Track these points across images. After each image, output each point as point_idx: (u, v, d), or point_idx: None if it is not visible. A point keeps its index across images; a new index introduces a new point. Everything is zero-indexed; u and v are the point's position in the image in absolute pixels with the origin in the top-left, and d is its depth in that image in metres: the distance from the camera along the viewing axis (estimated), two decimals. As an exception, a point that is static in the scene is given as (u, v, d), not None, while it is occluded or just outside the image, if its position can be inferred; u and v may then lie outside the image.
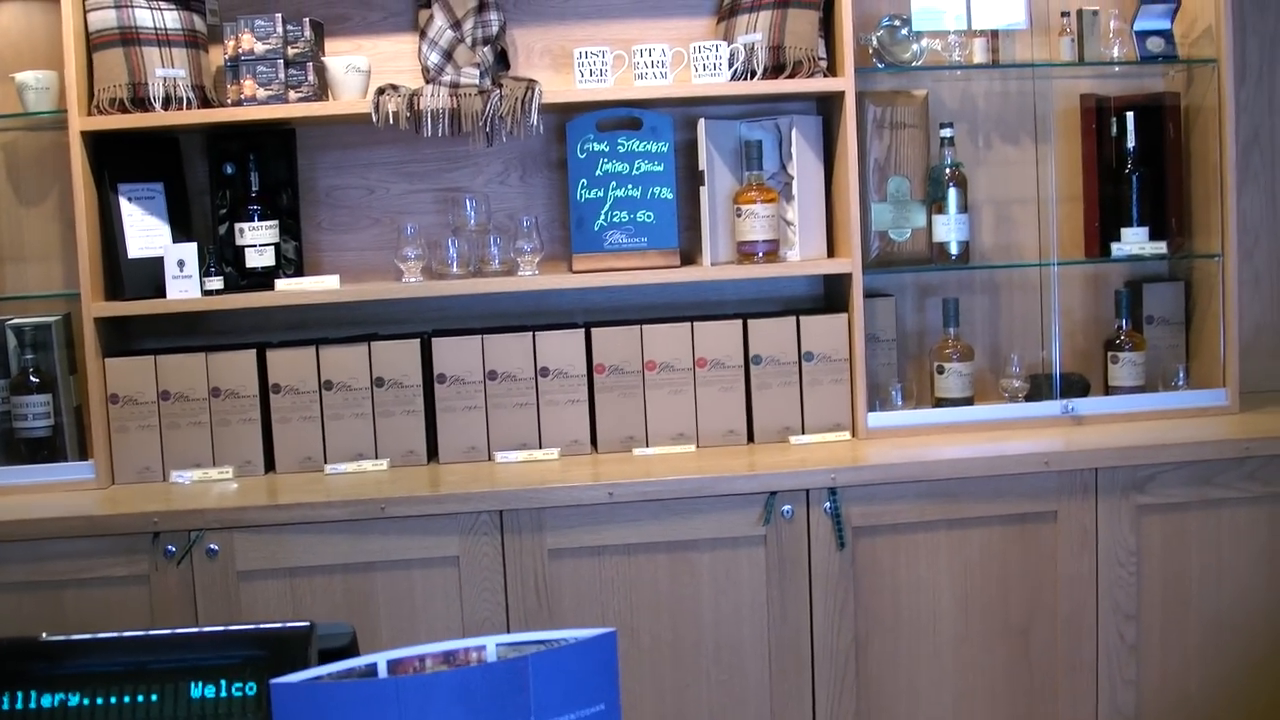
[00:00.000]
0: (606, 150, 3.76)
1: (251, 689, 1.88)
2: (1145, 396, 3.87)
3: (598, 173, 3.77)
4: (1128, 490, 3.53)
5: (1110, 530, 3.53)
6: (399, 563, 3.42)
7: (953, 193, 3.83)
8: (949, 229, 3.84)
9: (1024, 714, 3.57)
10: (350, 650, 1.93)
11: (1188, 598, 3.60)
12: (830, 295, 3.98)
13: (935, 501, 3.50)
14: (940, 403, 3.86)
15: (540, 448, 3.75)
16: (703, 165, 3.79)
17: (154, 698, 1.88)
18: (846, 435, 3.77)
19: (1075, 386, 3.91)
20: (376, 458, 3.73)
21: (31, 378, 3.70)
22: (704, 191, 3.79)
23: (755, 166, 3.75)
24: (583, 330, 3.77)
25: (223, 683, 1.88)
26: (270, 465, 3.76)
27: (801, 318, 3.78)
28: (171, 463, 3.70)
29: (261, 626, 1.94)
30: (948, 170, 3.84)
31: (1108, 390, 3.92)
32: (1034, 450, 3.54)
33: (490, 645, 1.66)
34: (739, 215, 3.74)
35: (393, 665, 1.63)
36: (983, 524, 3.53)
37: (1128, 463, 3.53)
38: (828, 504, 3.45)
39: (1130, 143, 3.88)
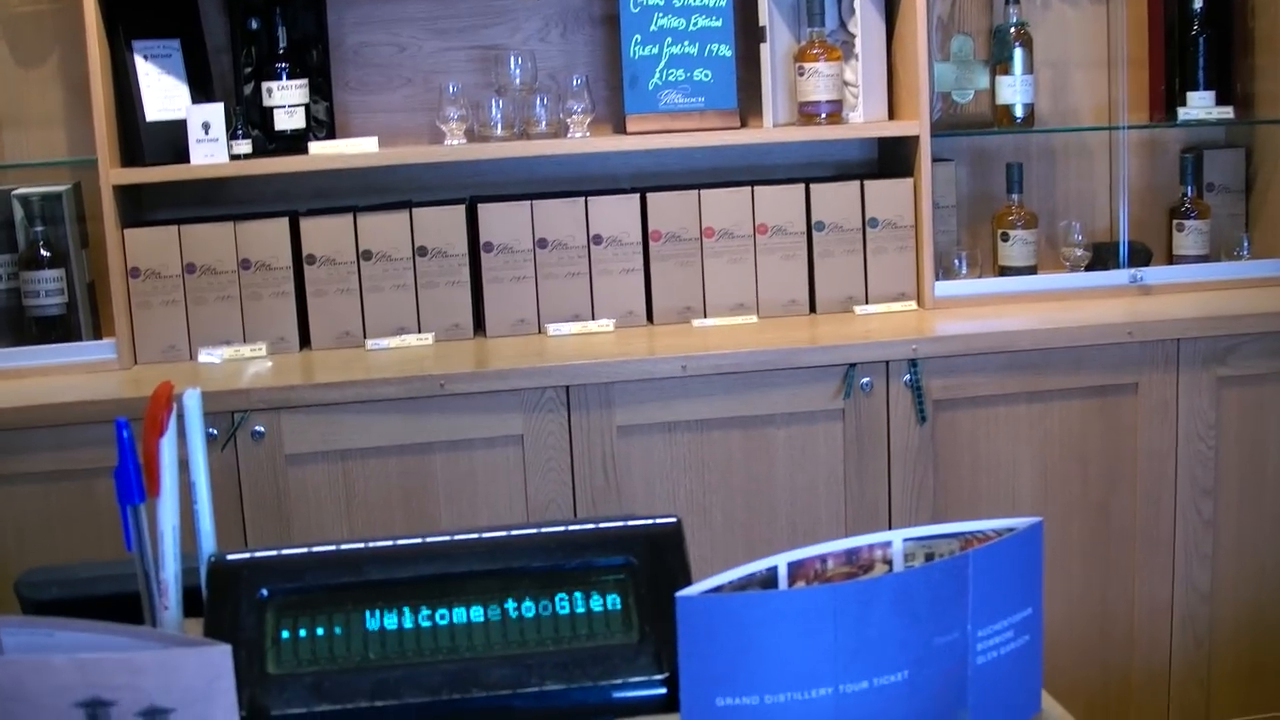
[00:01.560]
0: (662, 4, 3.42)
1: (614, 602, 1.56)
2: (1212, 266, 3.62)
3: (652, 28, 3.43)
4: (1209, 362, 3.29)
5: (1190, 403, 3.30)
6: (459, 443, 3.11)
7: (1018, 52, 3.54)
8: (1014, 90, 3.55)
9: (1100, 590, 3.35)
10: (677, 542, 1.63)
11: (1265, 473, 3.38)
12: (887, 159, 3.69)
13: (1016, 374, 3.24)
14: (1004, 271, 3.59)
15: (594, 319, 3.44)
16: (763, 20, 3.46)
17: (502, 609, 1.56)
18: (913, 305, 3.50)
19: (1138, 255, 3.66)
20: (420, 331, 3.40)
21: (42, 251, 3.31)
22: (764, 49, 3.47)
23: (818, 23, 3.43)
24: (637, 195, 3.45)
25: (594, 595, 1.57)
26: (305, 342, 3.42)
27: (866, 182, 3.49)
28: (199, 340, 3.35)
29: (627, 523, 1.62)
30: (1013, 29, 3.54)
31: (1171, 259, 3.67)
32: (1115, 320, 3.29)
33: (896, 541, 1.38)
34: (801, 74, 3.42)
35: (793, 569, 1.37)
36: (1063, 397, 3.28)
37: (1208, 333, 3.29)
38: (908, 376, 3.18)
39: (1196, 3, 3.61)
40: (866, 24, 3.49)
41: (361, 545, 1.59)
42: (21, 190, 3.35)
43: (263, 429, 3.04)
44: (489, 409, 3.09)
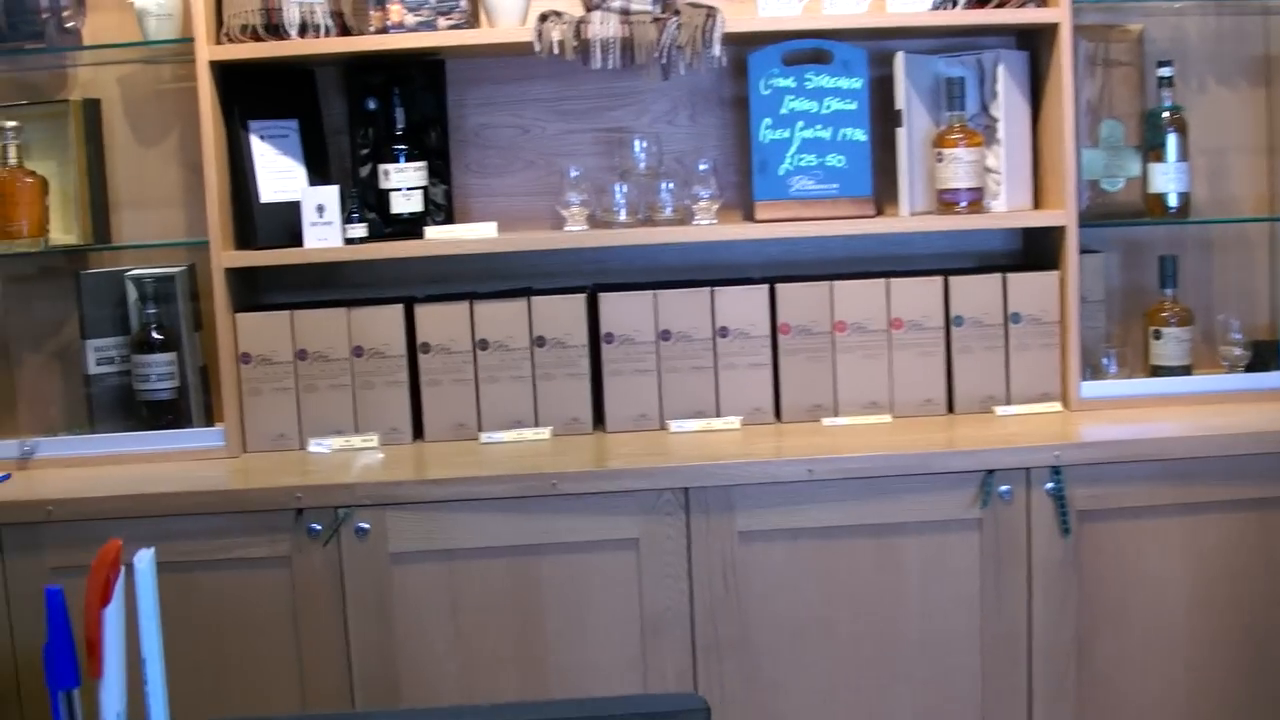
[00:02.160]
0: (793, 86, 3.24)
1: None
2: (1383, 368, 3.34)
3: (783, 111, 3.24)
4: (1380, 473, 3.01)
5: (1359, 517, 3.02)
6: (570, 545, 2.92)
7: (1172, 138, 3.29)
8: (1168, 179, 3.30)
9: (1260, 720, 3.07)
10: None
11: None
12: (1031, 251, 3.45)
13: (1168, 484, 2.97)
14: (1156, 371, 3.34)
15: (719, 416, 3.24)
16: (900, 104, 3.25)
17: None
18: (1057, 406, 3.25)
19: (1302, 355, 3.39)
20: (537, 425, 3.22)
21: (154, 334, 3.20)
22: (900, 133, 3.26)
23: (957, 106, 3.22)
24: (766, 286, 3.26)
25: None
26: (419, 433, 3.26)
27: (1008, 275, 3.26)
28: (309, 429, 3.21)
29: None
30: (1166, 113, 3.30)
31: (1340, 360, 3.39)
32: (1274, 428, 3.02)
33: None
34: (939, 160, 3.21)
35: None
36: (1219, 509, 3.00)
37: (1379, 442, 3.01)
38: (1050, 484, 2.93)
39: (1367, 85, 3.35)
40: (1010, 107, 3.27)
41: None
42: (135, 271, 3.24)
43: (367, 525, 2.88)
44: (603, 510, 2.91)
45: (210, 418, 3.28)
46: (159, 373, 3.20)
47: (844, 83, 3.24)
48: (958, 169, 3.19)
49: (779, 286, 3.25)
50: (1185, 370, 3.33)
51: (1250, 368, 3.36)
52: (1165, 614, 3.02)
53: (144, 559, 1.34)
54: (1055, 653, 2.98)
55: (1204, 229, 3.50)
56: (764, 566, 2.94)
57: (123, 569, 1.37)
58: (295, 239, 3.18)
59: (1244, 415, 3.13)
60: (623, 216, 3.26)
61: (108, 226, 3.36)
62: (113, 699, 1.36)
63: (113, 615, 1.32)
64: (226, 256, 3.13)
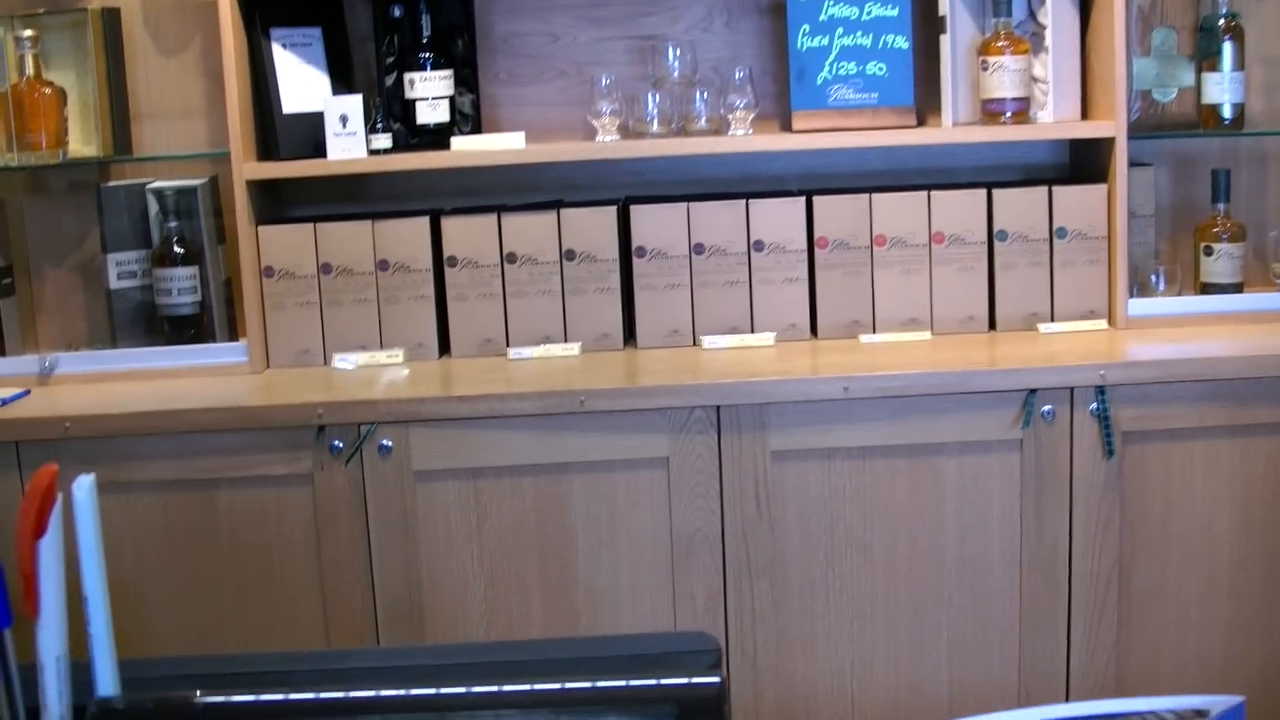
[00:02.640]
0: (833, -9, 3.10)
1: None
2: None
3: (822, 17, 3.10)
4: None
5: None
6: (598, 464, 2.82)
7: (1228, 47, 3.13)
8: (1222, 89, 3.14)
9: (1307, 648, 2.95)
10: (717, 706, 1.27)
11: None
12: (1078, 164, 3.30)
13: (1217, 405, 2.84)
14: (1206, 289, 3.19)
15: (753, 332, 3.12)
16: (943, 10, 3.10)
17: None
18: (1103, 324, 3.12)
19: (1358, 273, 3.24)
20: (566, 341, 3.12)
21: (176, 248, 3.11)
22: (944, 40, 3.11)
23: (1004, 13, 3.06)
24: (803, 199, 3.13)
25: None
26: (445, 348, 3.16)
27: (1054, 188, 3.12)
28: (333, 344, 3.12)
29: (660, 683, 1.26)
30: (1222, 20, 3.14)
31: (1396, 277, 3.24)
32: (1327, 346, 2.89)
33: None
34: (984, 69, 3.06)
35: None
36: (1268, 432, 2.87)
37: None
38: (1095, 405, 2.81)
39: None
40: (1059, 14, 3.11)
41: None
42: (156, 184, 3.15)
43: (390, 443, 2.79)
44: (632, 429, 2.80)
45: (233, 333, 3.19)
46: (181, 287, 3.11)
47: (885, -13, 3.10)
48: (1003, 78, 3.04)
49: (816, 199, 3.11)
50: (1237, 288, 3.18)
51: (1304, 286, 3.22)
52: (1209, 539, 2.89)
53: (82, 486, 1.22)
54: (1095, 579, 2.87)
55: (1258, 142, 3.34)
56: (797, 487, 2.84)
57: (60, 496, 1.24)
58: (318, 150, 3.07)
59: (1300, 334, 3.00)
60: (655, 127, 3.13)
61: (128, 138, 3.25)
62: (51, 640, 1.23)
63: (48, 548, 1.20)
64: (248, 168, 3.02)
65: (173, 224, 3.10)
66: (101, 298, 3.21)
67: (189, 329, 3.13)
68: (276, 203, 3.26)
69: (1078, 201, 3.10)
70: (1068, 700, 2.92)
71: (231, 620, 2.85)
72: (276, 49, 3.09)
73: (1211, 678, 2.93)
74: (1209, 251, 3.18)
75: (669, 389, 2.79)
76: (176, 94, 3.28)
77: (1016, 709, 1.17)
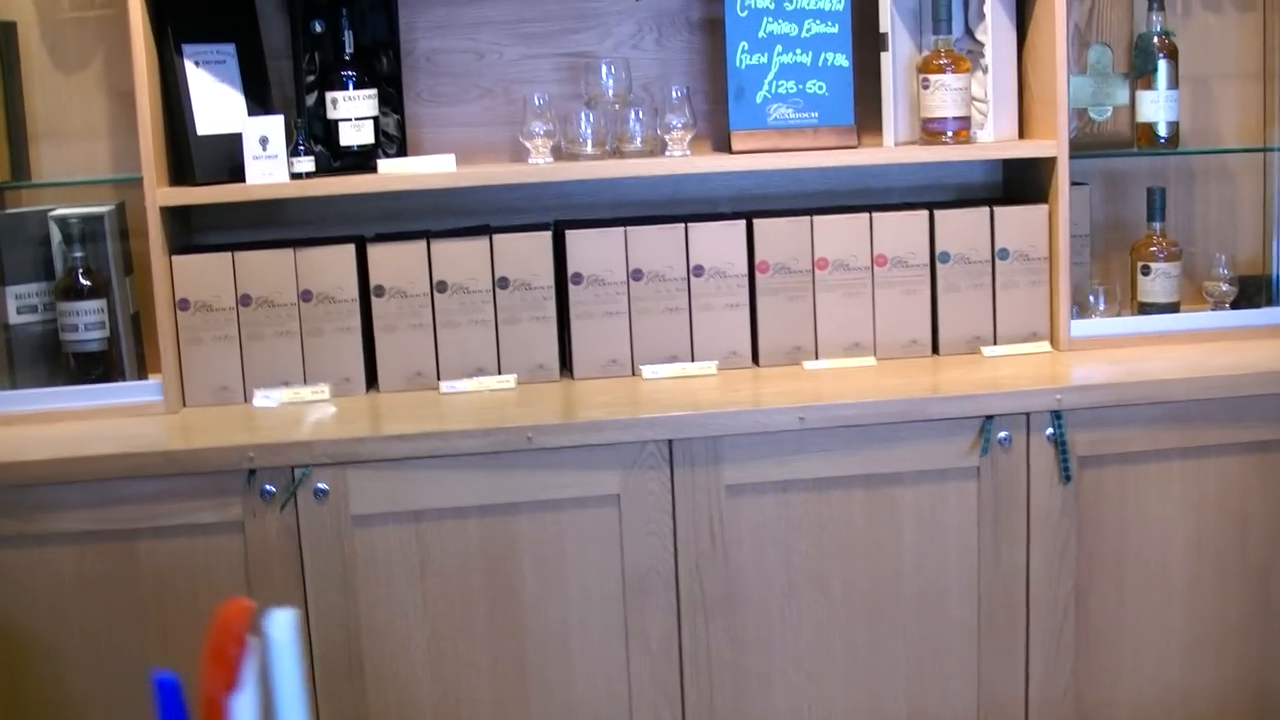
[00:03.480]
0: (772, 8, 2.96)
1: None
2: (1374, 302, 3.16)
3: (761, 34, 2.97)
4: (1380, 412, 2.83)
5: (1361, 458, 2.84)
6: (547, 503, 2.65)
7: (1163, 65, 3.07)
8: (1158, 107, 3.08)
9: (1257, 667, 2.88)
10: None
11: None
12: (1012, 183, 3.22)
13: (1169, 427, 2.77)
14: (1144, 309, 3.12)
15: (693, 360, 2.98)
16: (885, 26, 2.98)
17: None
18: (1046, 346, 3.03)
19: (1289, 290, 3.20)
20: (500, 373, 2.94)
21: (82, 279, 2.87)
22: (886, 59, 2.99)
23: (944, 30, 2.97)
24: (743, 222, 2.99)
25: None
26: (372, 383, 2.97)
27: (995, 208, 3.02)
28: (254, 380, 2.90)
29: None
30: (1157, 38, 3.08)
31: (1325, 295, 3.21)
32: (1276, 367, 2.82)
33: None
34: (925, 87, 2.96)
35: None
36: (1219, 452, 2.81)
37: (1384, 382, 2.82)
38: (1051, 430, 2.72)
39: (1356, 8, 3.14)
40: (997, 31, 3.03)
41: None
42: (59, 211, 2.90)
43: (326, 486, 2.59)
44: (582, 465, 2.64)
45: (143, 370, 2.96)
46: (88, 321, 2.87)
47: (825, 3, 2.97)
48: (944, 97, 2.94)
49: (757, 222, 2.98)
50: (1174, 307, 3.12)
51: (1235, 304, 3.17)
52: (1164, 562, 2.82)
53: (282, 623, 0.97)
54: (1053, 605, 2.78)
55: (1185, 160, 3.29)
56: (753, 521, 2.70)
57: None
58: (236, 174, 2.86)
59: (1239, 354, 2.94)
60: (589, 148, 2.97)
61: (26, 162, 3.00)
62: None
63: (243, 707, 0.94)
64: (162, 194, 2.79)
65: (78, 254, 2.86)
66: (-1, 333, 2.97)
67: (96, 366, 2.89)
68: (186, 230, 3.04)
69: (1019, 222, 3.01)
70: (1026, 730, 2.83)
71: (157, 679, 2.63)
72: (189, 66, 2.87)
73: (1169, 701, 2.86)
74: (1146, 271, 3.11)
75: (620, 423, 2.63)
76: (78, 114, 3.04)
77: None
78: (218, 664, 0.91)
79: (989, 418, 2.70)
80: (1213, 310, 3.15)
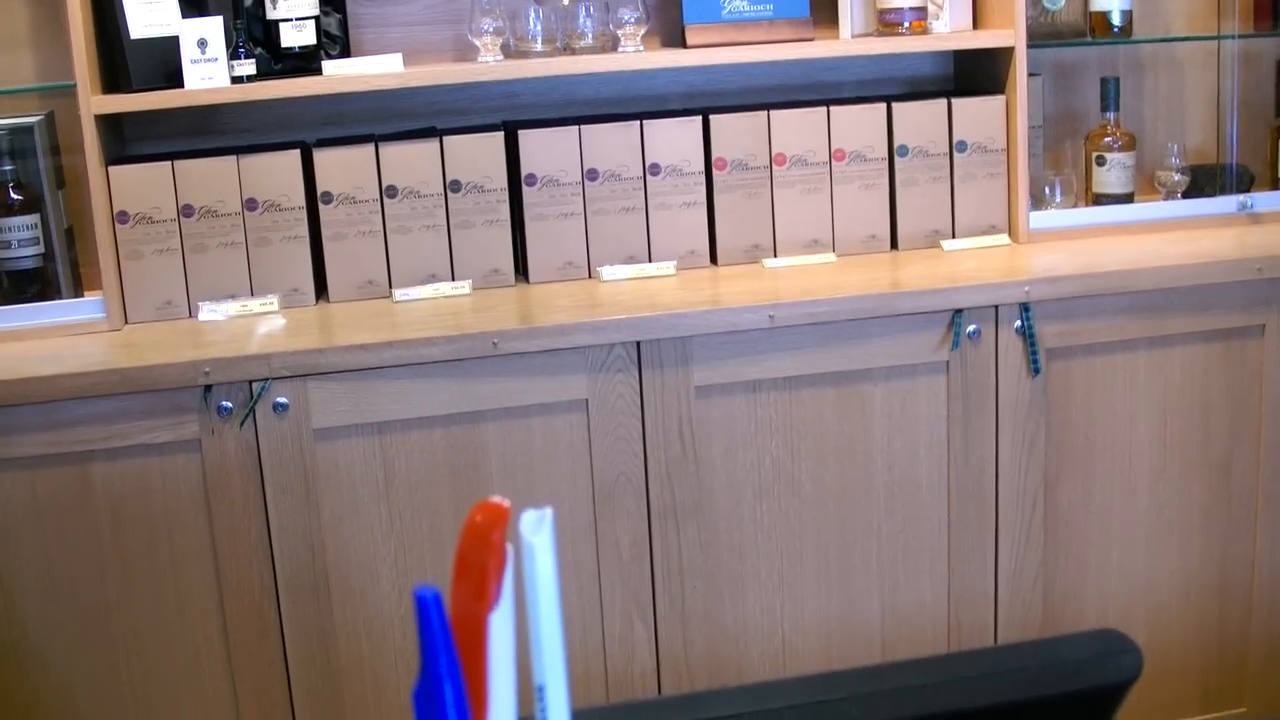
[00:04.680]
0: (724, -104, 2.87)
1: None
2: (1326, 187, 3.14)
3: (713, -76, 2.87)
4: (1340, 296, 2.82)
5: (1320, 343, 2.83)
6: (513, 410, 2.57)
7: (1116, -49, 3.02)
8: (1112, -6, 3.03)
9: (1219, 556, 2.88)
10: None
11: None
12: (964, 75, 3.15)
13: (1136, 317, 2.74)
14: (1099, 199, 3.08)
15: (651, 261, 2.89)
16: (839, -85, 2.91)
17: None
18: (1004, 239, 2.98)
19: (1240, 179, 3.17)
20: (454, 279, 2.84)
21: (13, 194, 2.71)
22: (840, -53, 2.92)
23: (898, -83, 2.89)
24: (699, 119, 2.90)
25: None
26: (322, 292, 2.86)
27: (953, 100, 2.96)
28: (199, 294, 2.78)
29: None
30: (1109, -77, 3.02)
31: (1275, 184, 3.18)
32: (1235, 254, 2.80)
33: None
34: (881, -24, 2.88)
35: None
36: (1184, 341, 2.79)
37: (1342, 265, 2.81)
38: (1020, 322, 2.67)
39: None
40: (951, -80, 2.95)
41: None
42: (-16, 122, 2.75)
43: (286, 400, 2.48)
44: (548, 370, 2.55)
45: (80, 287, 2.82)
46: (21, 238, 2.72)
47: (777, -108, 2.88)
48: (901, -14, 2.87)
49: (713, 118, 2.89)
50: (1129, 197, 3.08)
51: (1187, 193, 3.14)
52: (1130, 452, 2.80)
53: (538, 524, 0.83)
54: (1022, 498, 2.75)
55: (1135, 49, 3.24)
56: (723, 422, 2.63)
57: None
58: (172, 79, 2.71)
59: (1197, 243, 2.91)
60: (539, 45, 2.86)
61: (-55, 71, 2.84)
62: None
63: (500, 626, 0.81)
64: (97, 101, 2.64)
65: (7, 167, 2.70)
66: (-75, 253, 2.80)
67: (32, 284, 2.75)
68: (120, 140, 2.89)
69: (977, 113, 2.95)
70: (996, 622, 2.80)
71: (116, 605, 2.52)
72: (117, -33, 2.71)
73: (1134, 590, 2.86)
74: (1101, 161, 3.06)
75: (586, 326, 2.54)
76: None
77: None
78: (474, 578, 0.79)
79: (958, 311, 2.65)
80: (1165, 200, 3.12)
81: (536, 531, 0.84)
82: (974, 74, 3.09)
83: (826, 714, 1.04)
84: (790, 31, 2.91)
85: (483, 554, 0.80)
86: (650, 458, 2.62)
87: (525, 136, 2.83)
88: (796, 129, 2.90)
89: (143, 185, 2.73)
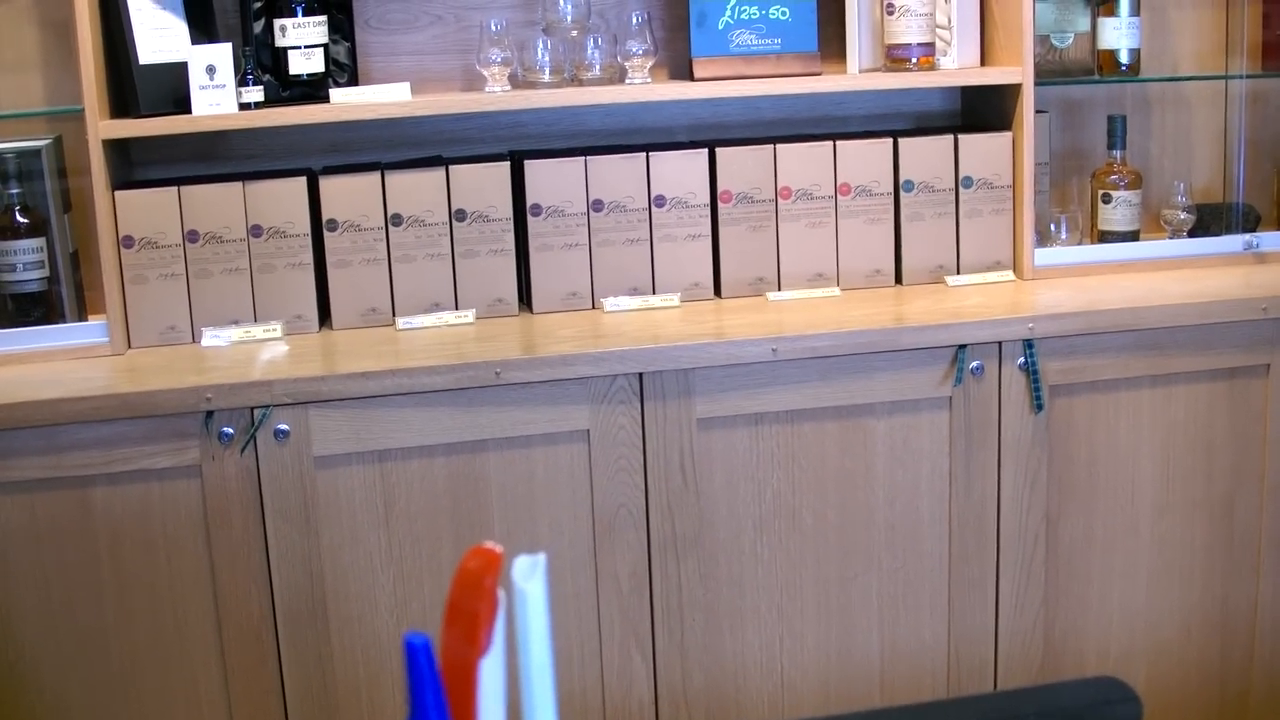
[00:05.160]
0: (733, -70, 2.87)
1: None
2: (1332, 228, 3.14)
3: (722, -42, 2.88)
4: (1344, 337, 2.81)
5: (1324, 383, 2.82)
6: (516, 439, 2.56)
7: (1125, -10, 3.02)
8: (1120, 34, 3.03)
9: (1221, 594, 2.87)
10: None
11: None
12: (971, 111, 3.16)
13: (1140, 354, 2.73)
14: (1104, 236, 3.08)
15: (654, 293, 2.89)
16: (847, -50, 2.91)
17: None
18: (1009, 275, 2.98)
19: (1246, 218, 3.17)
20: (458, 308, 2.84)
21: (19, 217, 2.72)
22: (849, -18, 2.92)
23: (906, -48, 2.89)
24: (705, 151, 2.90)
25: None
26: (325, 320, 2.85)
27: (959, 136, 2.96)
28: (203, 320, 2.78)
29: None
30: (1117, -37, 3.03)
31: (1281, 222, 3.18)
32: (1240, 293, 2.79)
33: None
34: (890, 13, 2.88)
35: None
36: (1188, 380, 2.78)
37: (1345, 305, 2.80)
38: (1023, 359, 2.67)
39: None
40: (959, -44, 2.96)
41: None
42: (-7, 145, 2.75)
43: (287, 427, 2.48)
44: (551, 400, 2.55)
45: (84, 311, 2.82)
46: (26, 261, 2.73)
47: (786, -73, 2.88)
48: (910, 23, 2.86)
49: (719, 150, 2.89)
50: (1134, 235, 3.08)
51: (1193, 232, 3.14)
52: (1132, 490, 2.79)
53: (531, 571, 0.82)
54: (1024, 535, 2.74)
55: (1142, 88, 3.24)
56: (724, 455, 2.63)
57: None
58: (180, 105, 2.72)
59: (1202, 281, 2.90)
60: (546, 76, 2.86)
61: (-46, 94, 2.84)
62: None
63: (491, 672, 0.80)
64: (105, 126, 2.65)
65: (14, 190, 2.71)
66: (-69, 274, 2.81)
67: (36, 308, 2.75)
68: (126, 165, 2.90)
69: (983, 149, 2.95)
70: (997, 660, 2.79)
71: (114, 630, 2.51)
72: (129, -7, 2.72)
73: (1135, 628, 2.84)
74: (1107, 199, 3.06)
75: (589, 356, 2.54)
76: (9, 45, 2.87)
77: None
78: (465, 624, 0.77)
79: (962, 347, 2.64)
80: (1170, 238, 3.12)
81: (529, 578, 0.83)
82: (981, 110, 3.09)
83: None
84: (798, 65, 2.91)
85: (475, 600, 0.80)
86: (651, 489, 2.61)
87: (531, 166, 2.83)
88: (802, 162, 2.90)
89: (148, 210, 2.73)
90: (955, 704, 1.10)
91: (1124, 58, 3.03)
